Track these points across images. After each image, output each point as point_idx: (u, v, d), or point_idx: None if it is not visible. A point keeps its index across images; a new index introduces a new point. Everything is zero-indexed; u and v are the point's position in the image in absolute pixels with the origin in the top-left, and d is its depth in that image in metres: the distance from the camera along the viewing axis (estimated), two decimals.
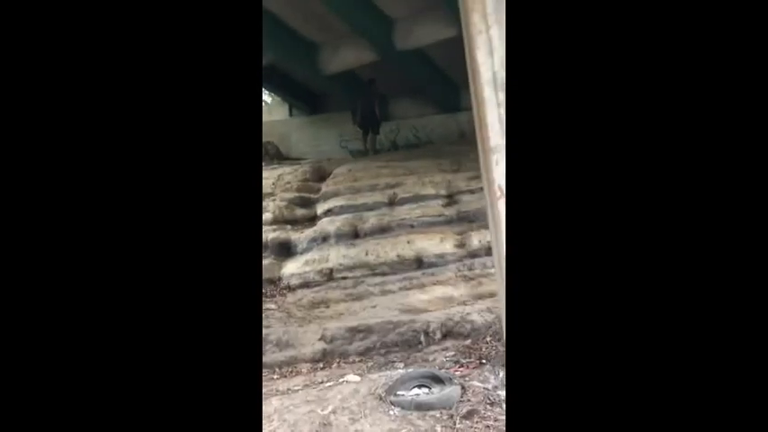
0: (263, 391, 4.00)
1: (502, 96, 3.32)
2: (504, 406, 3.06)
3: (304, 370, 4.67)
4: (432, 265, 6.36)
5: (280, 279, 6.83)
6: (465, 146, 8.70)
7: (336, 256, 6.82)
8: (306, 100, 11.93)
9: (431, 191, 7.71)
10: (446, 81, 10.48)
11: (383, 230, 7.19)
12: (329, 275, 6.62)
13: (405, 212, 7.39)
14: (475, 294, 5.55)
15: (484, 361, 4.00)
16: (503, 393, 3.23)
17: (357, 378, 3.97)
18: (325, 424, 3.03)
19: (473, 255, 6.28)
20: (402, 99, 11.39)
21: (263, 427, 3.13)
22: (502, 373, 3.50)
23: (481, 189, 4.31)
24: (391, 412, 3.12)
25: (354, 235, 7.27)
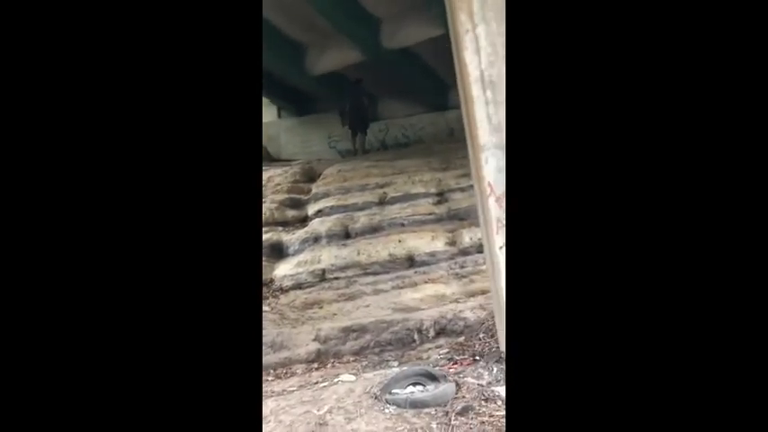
0: None
1: (490, 94, 3.34)
2: (498, 402, 3.09)
3: (299, 371, 4.68)
4: (423, 263, 6.39)
5: (272, 281, 6.83)
6: (454, 144, 8.72)
7: (328, 256, 6.83)
8: (294, 101, 11.91)
9: (421, 189, 7.73)
10: (434, 79, 10.50)
11: (374, 230, 7.21)
12: (321, 276, 6.63)
13: (395, 211, 7.41)
14: (467, 292, 5.57)
15: (477, 357, 4.02)
16: (497, 389, 3.25)
17: (352, 377, 3.98)
18: (321, 424, 3.04)
19: (464, 252, 6.31)
20: (390, 99, 11.40)
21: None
22: (496, 369, 3.52)
23: (471, 187, 4.34)
24: (387, 411, 3.13)
25: (346, 235, 7.28)
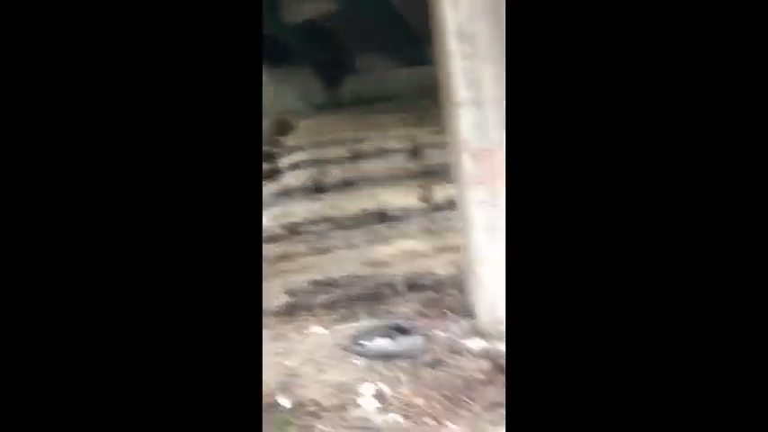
0: None
1: (467, 49, 3.31)
2: (467, 355, 3.16)
3: (270, 323, 4.70)
4: (396, 219, 6.40)
5: None
6: (430, 99, 8.64)
7: (300, 210, 6.80)
8: (267, 53, 11.67)
9: (395, 145, 7.67)
10: (411, 33, 10.33)
11: (347, 185, 7.18)
12: (293, 230, 6.61)
13: (369, 167, 7.37)
14: (439, 248, 5.61)
15: (447, 312, 4.08)
16: (465, 342, 3.32)
17: (323, 330, 4.02)
18: (292, 375, 3.08)
19: (437, 209, 6.32)
20: (366, 52, 11.20)
21: None
22: (465, 323, 3.59)
23: (446, 143, 4.32)
24: (357, 362, 3.19)
25: (318, 189, 7.24)
